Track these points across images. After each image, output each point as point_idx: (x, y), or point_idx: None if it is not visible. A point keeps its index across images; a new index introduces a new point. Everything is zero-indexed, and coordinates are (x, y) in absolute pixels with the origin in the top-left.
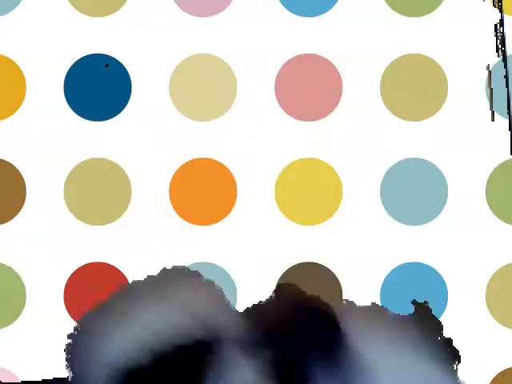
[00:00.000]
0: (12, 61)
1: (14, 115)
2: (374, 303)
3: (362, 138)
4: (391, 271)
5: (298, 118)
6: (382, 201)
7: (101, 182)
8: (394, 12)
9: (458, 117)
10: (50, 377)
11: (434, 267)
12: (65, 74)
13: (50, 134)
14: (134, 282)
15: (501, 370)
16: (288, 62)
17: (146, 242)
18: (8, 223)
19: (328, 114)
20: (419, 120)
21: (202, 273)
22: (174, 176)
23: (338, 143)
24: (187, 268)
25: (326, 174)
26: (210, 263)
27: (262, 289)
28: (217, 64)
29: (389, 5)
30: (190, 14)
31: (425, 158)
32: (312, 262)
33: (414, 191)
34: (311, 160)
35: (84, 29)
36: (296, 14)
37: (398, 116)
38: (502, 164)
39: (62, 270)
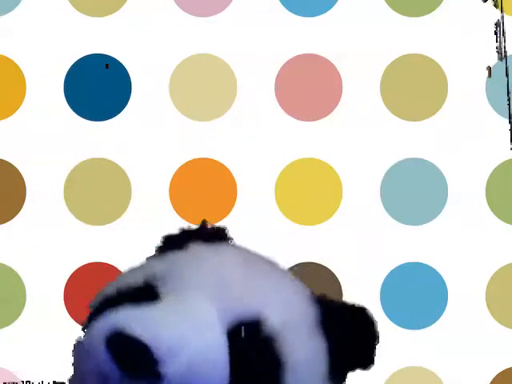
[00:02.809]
0: (12, 61)
1: (14, 115)
2: None
3: (362, 138)
4: (391, 271)
5: (298, 118)
6: (382, 201)
7: (101, 182)
8: (394, 12)
9: (458, 117)
10: (49, 376)
11: (434, 267)
12: (65, 74)
13: (50, 134)
14: None
15: (501, 370)
16: (288, 62)
17: (145, 242)
18: (8, 223)
19: (328, 114)
20: (419, 120)
21: None
22: (173, 176)
23: (338, 143)
24: None
25: (326, 174)
26: None
27: None
28: (217, 64)
29: (389, 5)
30: (190, 13)
31: (425, 158)
32: (312, 262)
33: (414, 191)
34: (311, 160)
35: (84, 29)
36: (296, 14)
37: (398, 116)
38: (502, 164)
39: (62, 270)
